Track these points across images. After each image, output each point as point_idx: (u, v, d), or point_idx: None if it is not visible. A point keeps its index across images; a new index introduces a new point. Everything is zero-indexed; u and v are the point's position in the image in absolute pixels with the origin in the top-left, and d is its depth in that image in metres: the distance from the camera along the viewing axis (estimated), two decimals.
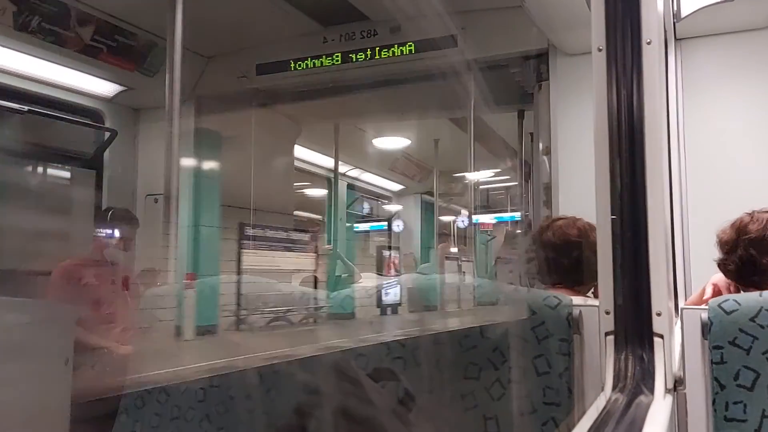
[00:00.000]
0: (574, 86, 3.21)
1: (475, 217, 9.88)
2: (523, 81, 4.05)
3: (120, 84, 4.23)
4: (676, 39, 2.92)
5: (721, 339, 1.19)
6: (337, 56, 4.23)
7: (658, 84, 1.00)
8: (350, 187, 9.00)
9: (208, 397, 1.50)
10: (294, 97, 4.70)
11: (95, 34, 3.73)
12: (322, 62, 4.27)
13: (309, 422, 0.70)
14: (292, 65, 4.35)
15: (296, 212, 7.98)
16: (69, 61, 3.77)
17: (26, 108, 3.58)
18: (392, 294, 5.63)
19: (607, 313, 0.99)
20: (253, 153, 4.89)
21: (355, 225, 9.55)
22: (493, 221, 9.90)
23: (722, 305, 1.21)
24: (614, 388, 0.94)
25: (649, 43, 0.99)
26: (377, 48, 4.09)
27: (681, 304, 1.88)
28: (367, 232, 9.83)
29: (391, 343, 1.38)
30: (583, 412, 0.90)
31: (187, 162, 4.43)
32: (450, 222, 10.52)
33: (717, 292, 1.73)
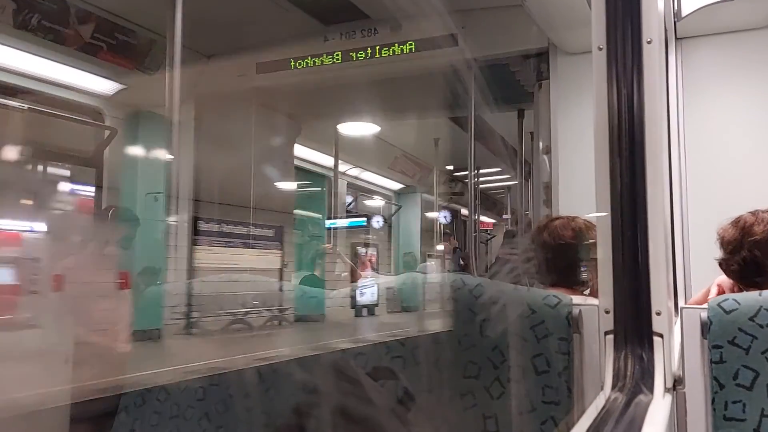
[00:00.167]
0: (574, 85, 3.20)
1: (330, 222, 9.54)
2: (523, 80, 4.05)
3: (120, 82, 4.23)
4: (676, 38, 2.91)
5: (721, 338, 1.19)
6: (337, 55, 4.23)
7: (658, 83, 1.00)
8: (318, 175, 8.72)
9: (208, 395, 1.50)
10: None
11: (95, 32, 3.73)
12: (322, 61, 4.27)
13: (307, 421, 0.70)
14: (293, 64, 4.35)
15: (296, 210, 7.93)
16: (69, 59, 3.77)
17: (26, 106, 3.58)
18: (368, 294, 5.28)
19: (607, 312, 0.99)
20: (207, 141, 4.51)
21: (332, 221, 8.94)
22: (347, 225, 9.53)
23: (722, 305, 1.21)
24: (614, 387, 0.94)
25: (649, 42, 0.99)
26: (377, 47, 4.09)
27: (680, 304, 1.88)
28: (344, 228, 9.33)
29: (377, 345, 1.38)
30: (583, 411, 0.91)
31: (131, 150, 4.21)
32: (433, 219, 10.40)
33: (722, 293, 1.73)
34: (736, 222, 1.70)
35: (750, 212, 1.71)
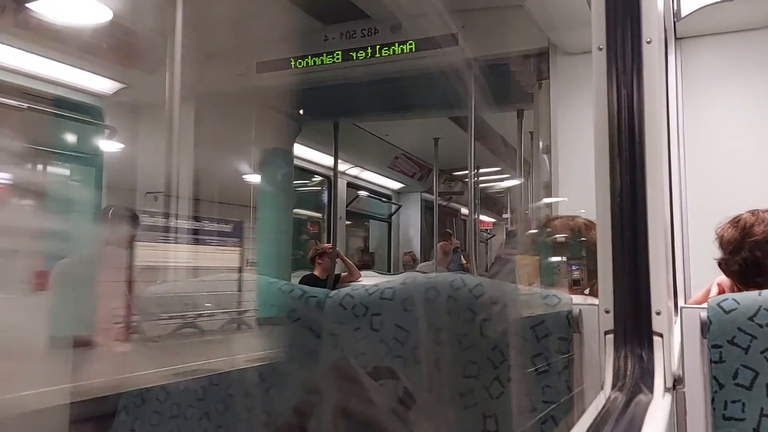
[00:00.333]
0: (574, 85, 3.21)
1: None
2: (523, 80, 4.05)
3: (120, 81, 4.23)
4: (676, 38, 2.91)
5: (720, 338, 1.19)
6: (337, 54, 4.23)
7: (658, 83, 1.00)
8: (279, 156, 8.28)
9: (208, 395, 1.50)
10: None
11: (95, 31, 3.73)
12: (322, 60, 4.27)
13: (308, 421, 0.71)
14: (293, 63, 4.35)
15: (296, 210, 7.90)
16: (69, 59, 3.77)
17: (26, 105, 3.58)
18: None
19: (607, 312, 0.99)
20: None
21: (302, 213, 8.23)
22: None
23: (721, 304, 1.22)
24: (614, 386, 0.94)
25: (649, 42, 0.99)
26: (378, 46, 4.09)
27: (680, 303, 1.88)
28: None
29: None
30: (583, 411, 0.91)
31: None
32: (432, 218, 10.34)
33: (722, 293, 1.73)
34: (736, 222, 1.70)
35: (749, 212, 1.71)
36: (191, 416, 1.50)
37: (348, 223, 9.24)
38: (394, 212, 10.26)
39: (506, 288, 1.47)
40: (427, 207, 10.33)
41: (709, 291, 1.80)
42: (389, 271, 9.76)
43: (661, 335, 0.96)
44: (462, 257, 8.71)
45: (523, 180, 5.49)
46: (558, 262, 1.75)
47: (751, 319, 1.18)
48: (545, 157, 3.59)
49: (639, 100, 0.99)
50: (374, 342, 1.34)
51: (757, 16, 2.80)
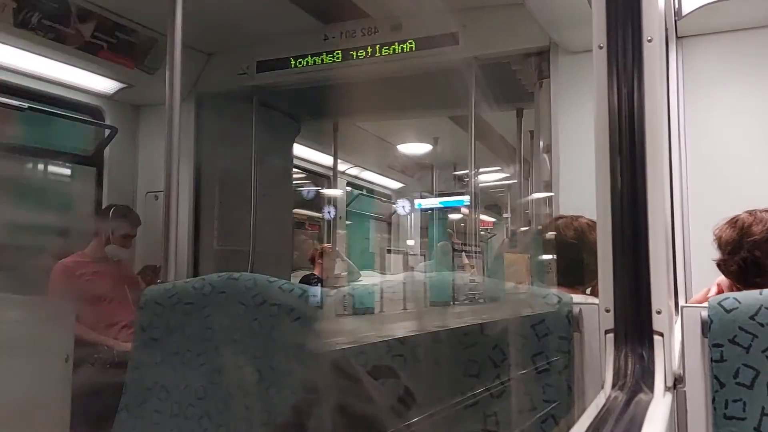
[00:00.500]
0: (575, 84, 3.20)
1: (418, 202, 8.92)
2: (524, 79, 4.05)
3: (120, 81, 4.23)
4: (677, 37, 2.91)
5: (721, 337, 1.19)
6: (338, 53, 4.23)
7: (659, 82, 1.00)
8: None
9: (208, 394, 1.50)
10: None
11: (96, 30, 3.72)
12: (322, 59, 4.27)
13: (308, 420, 0.70)
14: (293, 62, 4.35)
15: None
16: (69, 58, 3.77)
17: (26, 105, 3.58)
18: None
19: (607, 311, 0.99)
20: None
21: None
22: (438, 205, 8.82)
23: (722, 303, 1.21)
24: (614, 385, 0.94)
25: (650, 41, 0.99)
26: (378, 45, 4.09)
27: (681, 302, 1.88)
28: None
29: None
30: (583, 410, 0.91)
31: None
32: (390, 209, 10.05)
33: (720, 293, 1.73)
34: (734, 222, 1.69)
35: (747, 212, 1.70)
36: (192, 415, 1.50)
37: (348, 222, 9.21)
38: (394, 212, 10.26)
39: (506, 287, 1.47)
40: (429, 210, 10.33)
41: (708, 292, 1.80)
42: (389, 270, 9.75)
43: (661, 334, 0.96)
44: (463, 256, 8.68)
45: (523, 179, 5.49)
46: (550, 260, 1.75)
47: (752, 318, 1.18)
48: (546, 156, 3.59)
49: (640, 99, 0.99)
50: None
51: (758, 15, 2.80)
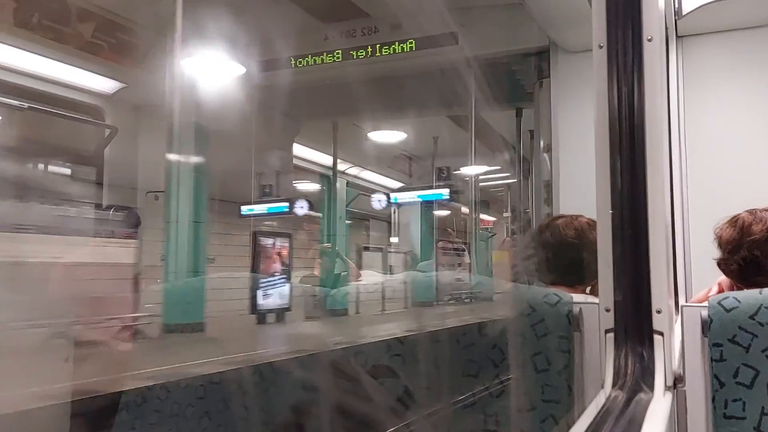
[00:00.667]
0: (575, 84, 3.20)
1: (394, 196, 8.50)
2: (523, 78, 4.05)
3: (120, 81, 4.23)
4: (677, 36, 2.91)
5: (721, 336, 1.19)
6: (338, 53, 4.23)
7: (659, 81, 1.00)
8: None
9: (208, 394, 1.50)
10: None
11: (96, 31, 3.73)
12: (323, 59, 4.27)
13: (306, 419, 0.70)
14: (293, 62, 4.35)
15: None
16: (69, 58, 3.77)
17: (27, 105, 3.58)
18: (275, 295, 4.11)
19: (607, 310, 0.99)
20: None
21: (249, 208, 7.29)
22: (417, 199, 8.40)
23: (722, 303, 1.21)
24: (614, 385, 0.94)
25: (650, 40, 0.99)
26: (378, 45, 4.09)
27: (681, 302, 1.88)
28: (262, 215, 7.54)
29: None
30: (583, 409, 0.91)
31: None
32: (431, 216, 9.88)
33: (721, 292, 1.72)
34: (734, 221, 1.69)
35: (747, 211, 1.70)
36: (191, 415, 1.50)
37: (348, 222, 9.19)
38: (394, 211, 10.25)
39: (506, 287, 1.46)
40: (426, 206, 10.32)
41: (710, 291, 1.80)
42: (389, 270, 9.74)
43: (661, 334, 0.96)
44: (465, 256, 8.68)
45: (523, 178, 5.49)
46: (542, 258, 1.74)
47: (752, 317, 1.18)
48: (546, 156, 3.59)
49: (640, 98, 0.98)
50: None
51: (758, 14, 2.80)
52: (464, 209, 10.46)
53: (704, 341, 1.21)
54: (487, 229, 11.12)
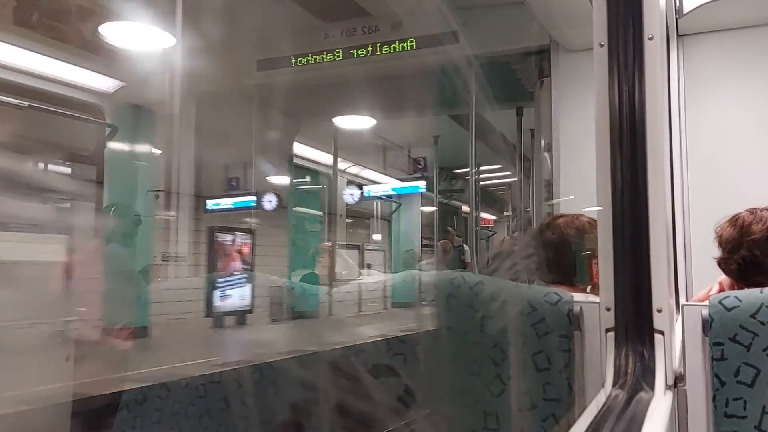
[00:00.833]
0: (576, 82, 3.20)
1: (367, 189, 8.07)
2: (524, 77, 4.05)
3: (121, 80, 4.23)
4: (678, 35, 2.91)
5: (722, 336, 1.19)
6: (338, 52, 4.23)
7: (659, 80, 1.00)
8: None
9: (209, 393, 1.50)
10: None
11: (96, 29, 3.73)
12: (323, 58, 4.27)
13: (305, 418, 0.70)
14: (293, 61, 4.35)
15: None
16: (70, 57, 3.77)
17: (27, 104, 3.58)
18: (235, 296, 3.70)
19: (608, 309, 0.99)
20: None
21: (214, 202, 6.72)
22: (391, 192, 8.00)
23: (723, 302, 1.21)
24: (614, 384, 0.94)
25: (651, 39, 0.99)
26: (378, 44, 4.09)
27: (682, 301, 1.88)
28: (228, 210, 7.00)
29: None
30: (584, 408, 0.91)
31: None
32: (432, 215, 9.76)
33: (722, 292, 1.72)
34: (734, 221, 1.69)
35: (748, 210, 1.70)
36: (192, 414, 1.50)
37: (349, 221, 9.16)
38: (395, 210, 10.24)
39: (507, 285, 1.46)
40: (427, 205, 10.31)
41: (710, 290, 1.80)
42: (390, 269, 9.72)
43: (662, 333, 0.96)
44: (463, 255, 8.66)
45: (524, 177, 5.49)
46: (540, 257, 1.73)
47: (753, 316, 1.18)
48: (546, 155, 3.59)
49: (640, 97, 0.98)
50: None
51: (759, 13, 2.80)
52: (465, 208, 10.45)
53: (705, 340, 1.21)
54: (488, 227, 11.13)
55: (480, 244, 8.99)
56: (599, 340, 1.01)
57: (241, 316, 3.52)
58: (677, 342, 1.14)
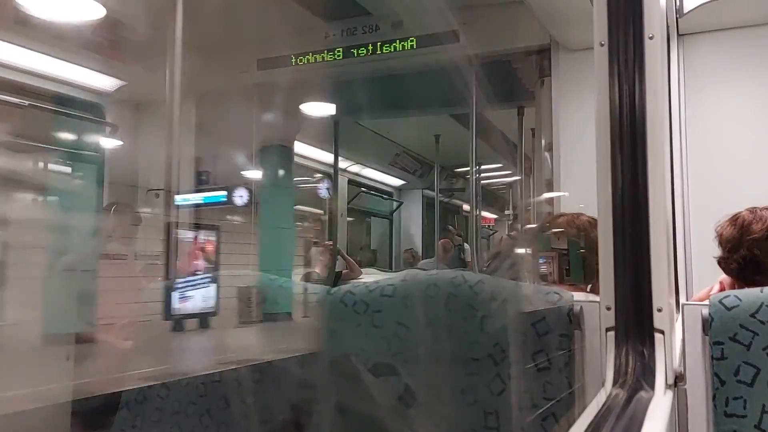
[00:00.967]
0: (576, 82, 3.20)
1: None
2: (524, 77, 4.05)
3: (121, 79, 4.23)
4: (678, 34, 2.91)
5: (722, 335, 1.19)
6: (338, 51, 4.23)
7: (660, 79, 1.00)
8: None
9: (209, 392, 1.50)
10: None
11: (96, 28, 3.72)
12: (323, 57, 4.27)
13: (305, 418, 0.70)
14: (293, 60, 4.35)
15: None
16: (69, 56, 3.77)
17: (27, 103, 3.58)
18: (198, 297, 3.47)
19: (608, 308, 0.99)
20: None
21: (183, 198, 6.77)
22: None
23: (723, 301, 1.21)
24: (615, 383, 0.94)
25: (651, 38, 0.99)
26: (379, 43, 4.09)
27: (682, 300, 1.88)
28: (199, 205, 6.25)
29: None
30: (584, 408, 0.91)
31: None
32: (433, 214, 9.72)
33: (723, 291, 1.73)
34: (734, 220, 1.70)
35: (748, 209, 1.70)
36: (192, 413, 1.50)
37: (349, 219, 9.14)
38: (396, 209, 10.24)
39: (507, 285, 1.46)
40: (428, 204, 10.31)
41: (711, 289, 1.80)
42: (390, 268, 9.71)
43: (662, 332, 0.96)
44: (464, 254, 8.65)
45: (524, 176, 5.49)
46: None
47: (753, 315, 1.18)
48: (547, 154, 3.59)
49: (641, 96, 0.98)
50: (375, 339, 1.34)
51: (759, 12, 2.79)
52: (465, 207, 10.44)
53: (705, 339, 1.21)
54: (489, 226, 11.13)
55: (480, 243, 8.98)
56: (599, 340, 1.01)
57: (204, 319, 3.30)
58: (677, 341, 1.14)
